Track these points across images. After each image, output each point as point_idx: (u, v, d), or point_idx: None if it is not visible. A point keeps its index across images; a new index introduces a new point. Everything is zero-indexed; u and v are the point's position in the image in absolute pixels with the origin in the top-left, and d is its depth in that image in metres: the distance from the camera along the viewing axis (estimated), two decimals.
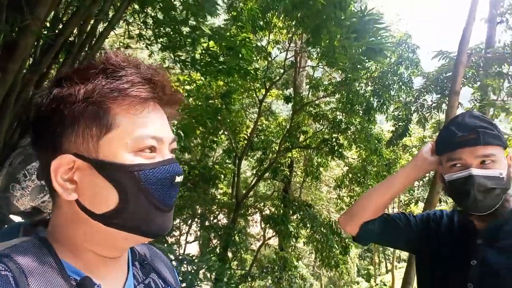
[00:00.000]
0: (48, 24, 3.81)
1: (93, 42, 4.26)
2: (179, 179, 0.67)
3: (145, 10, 4.65)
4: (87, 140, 0.62)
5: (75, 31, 4.04)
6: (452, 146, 1.26)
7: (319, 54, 6.86)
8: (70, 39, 4.28)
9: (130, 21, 5.27)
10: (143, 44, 5.12)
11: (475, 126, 1.24)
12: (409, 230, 1.45)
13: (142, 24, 4.94)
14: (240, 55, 4.97)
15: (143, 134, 0.63)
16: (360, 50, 5.47)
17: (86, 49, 4.23)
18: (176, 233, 10.64)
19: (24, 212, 0.89)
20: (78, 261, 0.64)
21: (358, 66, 6.22)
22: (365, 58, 5.73)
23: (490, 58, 6.42)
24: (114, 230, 0.63)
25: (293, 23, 6.55)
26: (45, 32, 3.53)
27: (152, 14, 4.59)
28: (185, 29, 4.59)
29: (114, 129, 0.62)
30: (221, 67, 4.76)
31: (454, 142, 1.25)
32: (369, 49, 5.40)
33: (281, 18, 7.34)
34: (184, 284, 3.78)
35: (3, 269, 0.57)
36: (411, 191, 15.33)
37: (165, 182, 0.64)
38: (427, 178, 12.89)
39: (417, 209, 14.40)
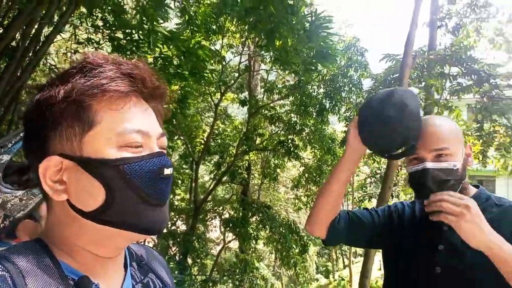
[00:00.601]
0: None
1: (38, 47, 4.06)
2: (168, 171, 0.65)
3: (94, 14, 4.50)
4: (71, 139, 0.62)
5: (17, 35, 3.83)
6: None
7: (272, 58, 6.95)
8: (12, 44, 4.06)
9: (77, 25, 5.07)
10: (92, 48, 4.95)
11: None
12: (373, 226, 1.48)
13: (91, 28, 4.77)
14: (196, 58, 4.93)
15: (126, 129, 0.63)
16: (312, 53, 5.61)
17: (31, 54, 4.03)
18: None
19: None
20: (75, 261, 0.64)
21: (311, 67, 6.37)
22: (315, 61, 5.88)
23: (433, 59, 6.80)
24: (106, 228, 0.62)
25: (246, 27, 6.60)
26: None
27: (101, 17, 4.45)
28: (136, 34, 4.48)
29: (96, 126, 0.62)
30: (176, 71, 4.69)
31: None
32: (318, 52, 5.56)
33: (233, 22, 7.37)
34: None
35: (0, 269, 0.57)
36: (364, 188, 15.89)
37: (153, 174, 0.63)
38: (378, 175, 13.43)
39: (371, 205, 14.93)
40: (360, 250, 21.03)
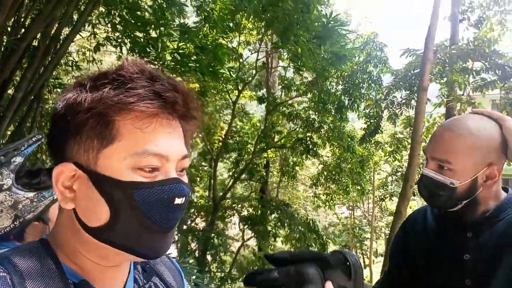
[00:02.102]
0: (9, 29, 3.69)
1: (58, 46, 4.15)
2: (179, 201, 0.62)
3: (112, 12, 4.57)
4: (88, 151, 0.60)
5: (38, 35, 3.93)
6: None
7: (289, 56, 6.93)
8: (33, 44, 4.16)
9: (96, 24, 5.17)
10: (110, 47, 5.04)
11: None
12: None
13: (109, 26, 4.85)
14: (213, 56, 4.94)
15: (145, 151, 0.60)
16: (326, 56, 5.58)
17: (51, 53, 4.13)
18: None
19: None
20: (76, 265, 0.64)
21: (327, 68, 6.34)
22: (330, 63, 5.85)
23: (455, 54, 6.63)
24: (105, 245, 0.62)
25: (263, 23, 6.59)
26: (5, 38, 3.41)
27: (119, 15, 4.52)
28: (153, 32, 4.53)
29: (115, 143, 0.60)
30: (193, 65, 4.70)
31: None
32: (333, 55, 5.51)
33: (250, 19, 7.37)
34: None
35: (1, 270, 0.57)
36: (384, 187, 15.65)
37: (162, 203, 0.61)
38: (399, 173, 13.20)
39: (392, 204, 14.70)
40: (381, 249, 20.77)
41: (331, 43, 5.17)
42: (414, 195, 10.03)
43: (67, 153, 0.62)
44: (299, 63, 6.27)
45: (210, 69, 5.00)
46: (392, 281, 1.45)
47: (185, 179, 0.66)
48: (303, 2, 4.50)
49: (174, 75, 4.93)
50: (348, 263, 0.70)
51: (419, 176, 1.24)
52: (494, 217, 1.20)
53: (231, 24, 7.00)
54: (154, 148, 0.60)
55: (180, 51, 4.71)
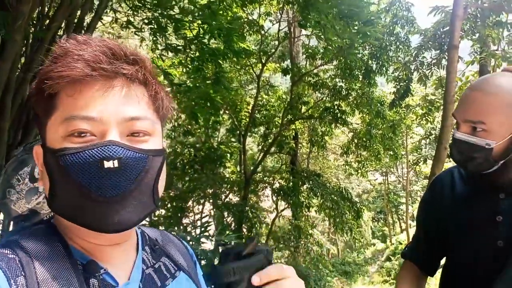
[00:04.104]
0: (34, 21, 3.79)
1: (82, 34, 4.22)
2: (109, 164, 0.57)
3: None
4: (42, 129, 0.63)
5: (63, 25, 4.00)
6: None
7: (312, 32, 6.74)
8: (59, 33, 4.26)
9: (116, 9, 5.20)
10: (133, 30, 5.08)
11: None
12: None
13: (130, 10, 4.87)
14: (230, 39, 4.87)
15: (71, 116, 0.59)
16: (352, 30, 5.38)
17: None
18: (190, 214, 10.82)
19: (22, 215, 0.94)
20: (80, 246, 0.65)
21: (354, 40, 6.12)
22: (357, 36, 5.65)
23: (487, 8, 6.27)
24: (68, 221, 0.62)
25: None
26: (32, 29, 3.51)
27: None
28: (174, 11, 4.51)
29: (53, 114, 0.61)
30: (212, 52, 4.65)
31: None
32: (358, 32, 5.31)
33: None
34: (204, 262, 3.90)
35: (10, 253, 0.59)
36: (418, 150, 15.33)
37: (90, 168, 0.57)
38: (433, 136, 12.87)
39: (426, 167, 14.42)
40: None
41: (359, 22, 4.96)
42: (448, 158, 9.79)
43: (42, 136, 0.64)
44: (323, 38, 6.07)
45: (229, 52, 4.90)
46: (420, 246, 1.45)
47: (143, 144, 0.62)
48: None
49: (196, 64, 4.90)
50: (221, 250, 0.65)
51: (452, 140, 1.20)
52: None
53: None
54: (81, 112, 0.58)
55: (199, 38, 4.61)
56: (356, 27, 5.40)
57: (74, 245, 0.64)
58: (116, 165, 0.57)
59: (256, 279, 0.60)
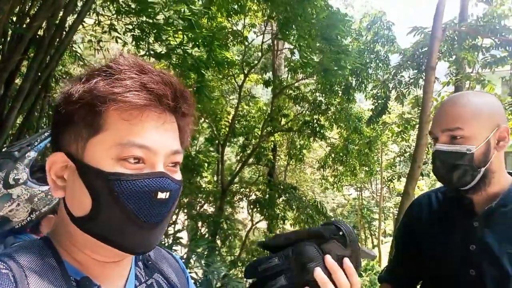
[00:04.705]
0: (14, 19, 3.67)
1: (63, 35, 4.12)
2: (162, 195, 0.61)
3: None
4: (77, 141, 0.62)
5: (43, 25, 3.90)
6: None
7: (296, 36, 6.86)
8: (39, 33, 4.14)
9: (100, 12, 5.11)
10: (113, 38, 5.00)
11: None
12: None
13: (114, 14, 4.80)
14: (213, 48, 4.88)
15: (129, 142, 0.60)
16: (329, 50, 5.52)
17: (57, 43, 4.10)
18: None
19: None
20: (77, 261, 0.64)
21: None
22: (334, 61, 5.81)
23: (464, 31, 6.51)
24: (91, 238, 0.62)
25: (269, 4, 6.49)
26: (12, 26, 3.39)
27: (123, 1, 4.46)
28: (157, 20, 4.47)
29: (101, 133, 0.61)
30: (194, 63, 4.65)
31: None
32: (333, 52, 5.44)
33: (255, 0, 7.25)
34: None
35: (3, 267, 0.58)
36: (392, 167, 15.61)
37: (144, 196, 0.60)
38: (407, 154, 13.15)
39: (400, 184, 14.69)
40: (389, 230, 20.87)
41: (334, 42, 5.10)
42: (422, 176, 10.00)
43: (61, 143, 0.64)
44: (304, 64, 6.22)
45: (213, 61, 4.93)
46: (399, 269, 1.46)
47: (176, 175, 0.66)
48: None
49: (176, 71, 4.91)
50: (341, 232, 0.70)
51: (432, 156, 1.23)
52: (501, 206, 1.19)
53: (235, 6, 6.89)
54: (138, 139, 0.60)
55: (182, 48, 4.62)
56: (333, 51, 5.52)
57: (70, 260, 0.64)
58: (167, 196, 0.62)
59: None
